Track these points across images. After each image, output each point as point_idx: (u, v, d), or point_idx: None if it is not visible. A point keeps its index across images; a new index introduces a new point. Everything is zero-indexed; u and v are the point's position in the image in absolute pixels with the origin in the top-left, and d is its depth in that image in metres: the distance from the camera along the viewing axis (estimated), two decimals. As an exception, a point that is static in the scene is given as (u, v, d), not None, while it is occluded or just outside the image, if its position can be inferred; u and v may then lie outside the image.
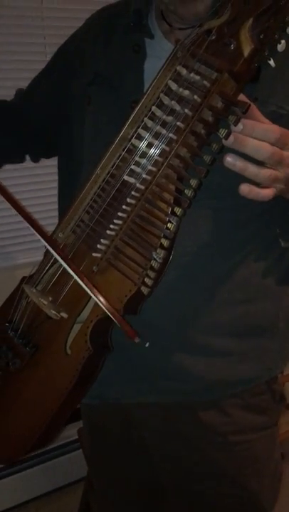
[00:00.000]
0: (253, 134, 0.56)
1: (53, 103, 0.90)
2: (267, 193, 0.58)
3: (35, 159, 1.01)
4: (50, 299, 0.71)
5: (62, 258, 0.65)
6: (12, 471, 1.68)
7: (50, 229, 0.74)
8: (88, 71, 0.81)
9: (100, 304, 0.63)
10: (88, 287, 0.64)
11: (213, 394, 0.79)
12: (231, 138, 0.54)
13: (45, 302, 0.70)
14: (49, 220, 1.12)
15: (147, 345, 0.74)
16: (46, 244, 0.66)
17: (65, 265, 0.65)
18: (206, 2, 0.64)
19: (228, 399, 0.80)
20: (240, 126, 0.55)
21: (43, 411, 0.72)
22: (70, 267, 0.64)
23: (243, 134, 0.55)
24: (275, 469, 0.86)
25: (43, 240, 0.66)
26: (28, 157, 1.02)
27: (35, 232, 0.66)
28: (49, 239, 0.68)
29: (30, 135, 0.95)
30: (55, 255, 0.65)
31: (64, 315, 0.70)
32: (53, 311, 0.68)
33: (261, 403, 0.83)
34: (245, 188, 0.56)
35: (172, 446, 0.84)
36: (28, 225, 0.66)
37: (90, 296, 0.69)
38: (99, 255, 0.65)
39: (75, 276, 0.64)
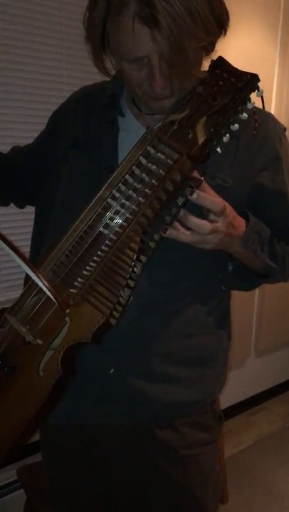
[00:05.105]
0: (204, 204, 0.74)
1: (37, 159, 1.05)
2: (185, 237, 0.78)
3: (20, 206, 1.16)
4: (28, 327, 0.83)
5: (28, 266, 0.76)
6: None
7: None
8: (69, 136, 0.97)
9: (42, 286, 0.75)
10: (39, 278, 0.75)
11: (168, 415, 0.93)
12: (181, 213, 0.76)
13: (24, 330, 0.81)
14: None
15: (112, 371, 0.88)
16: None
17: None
18: (172, 100, 0.82)
19: (180, 419, 0.94)
20: (195, 195, 0.73)
21: (16, 425, 0.82)
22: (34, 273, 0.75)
23: (197, 202, 0.73)
24: (217, 481, 1.00)
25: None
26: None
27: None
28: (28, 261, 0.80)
29: (16, 185, 1.09)
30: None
31: (39, 341, 0.82)
32: (31, 337, 0.80)
33: (206, 421, 0.97)
34: (168, 232, 0.77)
35: (129, 464, 0.96)
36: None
37: (63, 327, 0.82)
38: (75, 291, 0.79)
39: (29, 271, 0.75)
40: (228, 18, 0.79)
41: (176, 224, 0.77)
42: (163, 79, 0.77)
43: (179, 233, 0.77)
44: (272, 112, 2.12)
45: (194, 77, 0.78)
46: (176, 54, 0.72)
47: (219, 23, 0.77)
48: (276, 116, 0.99)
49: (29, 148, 1.11)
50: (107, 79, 0.91)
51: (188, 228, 0.78)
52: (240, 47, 2.01)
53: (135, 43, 0.73)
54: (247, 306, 2.49)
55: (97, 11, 0.75)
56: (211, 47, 0.80)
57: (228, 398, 2.52)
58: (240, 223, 0.85)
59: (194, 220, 0.76)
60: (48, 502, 1.16)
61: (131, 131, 0.89)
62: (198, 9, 0.70)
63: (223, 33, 0.79)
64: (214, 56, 0.81)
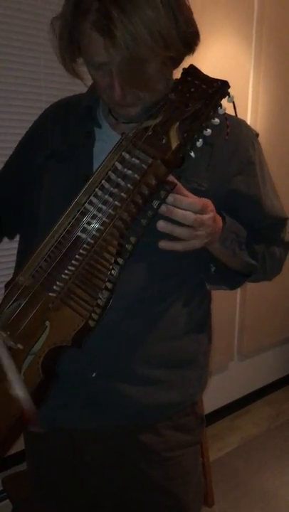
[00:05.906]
0: (181, 206, 0.76)
1: (18, 174, 1.05)
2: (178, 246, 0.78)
3: (11, 236, 1.13)
4: (8, 332, 0.83)
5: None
6: None
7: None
8: (47, 148, 0.98)
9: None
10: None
11: (149, 417, 0.94)
12: (164, 208, 0.74)
13: (5, 335, 0.82)
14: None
15: (94, 375, 0.89)
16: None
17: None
18: (137, 108, 0.84)
19: (161, 421, 0.95)
20: (171, 199, 0.75)
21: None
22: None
23: (174, 205, 0.74)
24: (199, 481, 1.01)
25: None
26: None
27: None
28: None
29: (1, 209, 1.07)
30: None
31: (20, 346, 0.82)
32: (12, 342, 0.81)
33: (187, 423, 0.98)
34: (162, 244, 0.77)
35: (113, 467, 0.96)
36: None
37: (43, 331, 0.83)
38: (54, 295, 0.80)
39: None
40: (197, 36, 0.80)
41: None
42: (120, 88, 0.78)
43: (174, 227, 0.76)
44: (249, 121, 2.16)
45: (155, 89, 0.80)
46: (132, 67, 0.74)
47: (184, 41, 0.78)
48: (252, 124, 1.02)
49: (8, 163, 1.10)
50: (86, 88, 0.93)
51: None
52: (214, 56, 2.05)
53: (92, 49, 0.76)
54: (229, 309, 2.52)
55: (65, 15, 0.77)
56: (176, 61, 0.81)
57: (212, 402, 2.53)
58: (219, 219, 0.87)
59: (178, 212, 0.75)
60: (34, 511, 1.15)
61: (107, 141, 0.90)
62: (158, 26, 0.71)
63: (190, 50, 0.81)
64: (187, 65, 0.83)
